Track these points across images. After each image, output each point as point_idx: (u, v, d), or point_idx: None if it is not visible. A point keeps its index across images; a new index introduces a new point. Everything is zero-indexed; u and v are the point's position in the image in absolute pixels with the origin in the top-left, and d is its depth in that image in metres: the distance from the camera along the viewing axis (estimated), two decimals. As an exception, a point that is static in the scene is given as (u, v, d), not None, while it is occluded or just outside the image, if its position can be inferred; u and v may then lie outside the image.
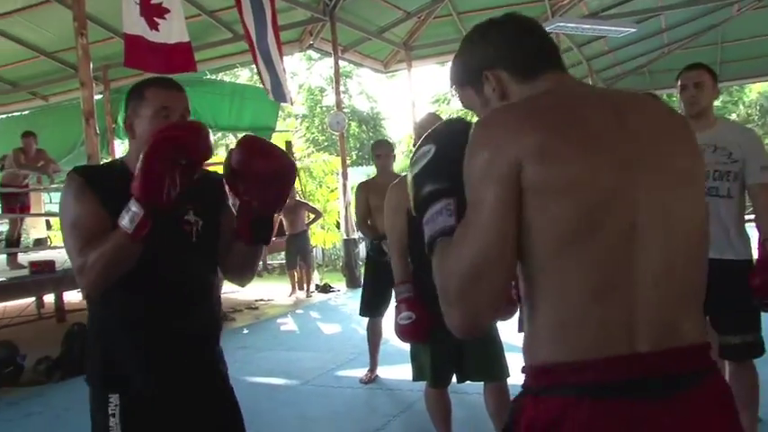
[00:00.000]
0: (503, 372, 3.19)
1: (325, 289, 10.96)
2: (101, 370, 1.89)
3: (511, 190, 1.15)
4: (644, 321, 1.16)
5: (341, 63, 12.25)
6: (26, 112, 13.97)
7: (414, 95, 13.91)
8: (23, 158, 8.53)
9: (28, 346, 6.27)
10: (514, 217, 1.16)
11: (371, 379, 5.16)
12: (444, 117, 3.97)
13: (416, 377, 3.31)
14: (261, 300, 10.02)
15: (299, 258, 10.59)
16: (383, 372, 5.25)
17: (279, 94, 8.93)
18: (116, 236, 1.65)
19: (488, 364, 3.16)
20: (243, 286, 2.15)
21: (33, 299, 8.41)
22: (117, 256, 1.67)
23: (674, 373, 1.16)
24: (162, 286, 1.84)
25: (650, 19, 13.46)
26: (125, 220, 1.63)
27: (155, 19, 6.56)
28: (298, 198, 11.11)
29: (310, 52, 12.85)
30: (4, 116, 13.94)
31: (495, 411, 3.21)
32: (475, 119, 1.33)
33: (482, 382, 3.25)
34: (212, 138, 1.74)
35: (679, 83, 3.32)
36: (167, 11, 6.70)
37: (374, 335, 5.26)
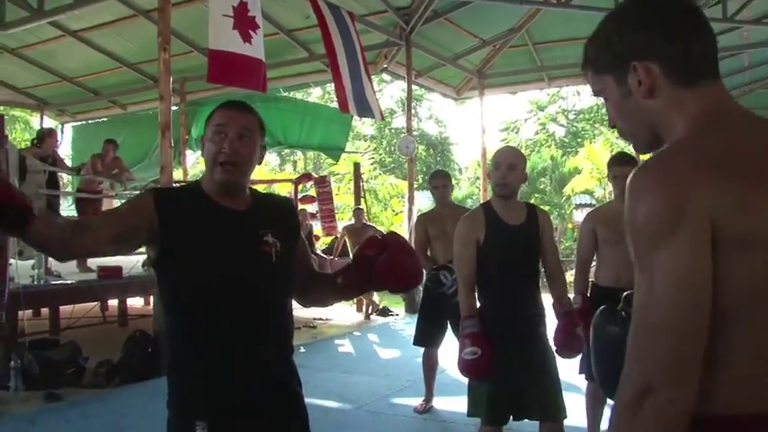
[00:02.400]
0: (560, 411, 3.12)
1: (384, 312, 10.91)
2: (185, 397, 1.88)
3: (705, 244, 1.02)
4: None
5: (413, 87, 12.27)
6: (104, 120, 14.43)
7: (484, 123, 13.82)
8: (100, 165, 8.75)
9: (90, 349, 6.39)
10: (707, 265, 1.02)
11: (426, 409, 5.07)
12: (515, 147, 3.91)
13: (471, 413, 3.23)
14: (319, 318, 9.98)
15: None
16: (438, 403, 5.15)
17: (364, 109, 9.03)
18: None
19: (547, 403, 3.09)
20: (307, 307, 2.21)
21: (98, 303, 8.59)
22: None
23: None
24: (245, 307, 1.84)
25: (733, 56, 13.10)
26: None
27: (249, 32, 6.69)
28: (365, 221, 11.11)
29: (383, 74, 12.89)
30: (83, 123, 14.41)
31: None
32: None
33: (538, 421, 3.17)
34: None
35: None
36: (258, 26, 6.83)
37: (429, 365, 5.19)
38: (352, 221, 11.16)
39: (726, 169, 1.04)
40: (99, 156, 8.89)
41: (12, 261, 6.33)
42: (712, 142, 1.08)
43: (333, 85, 9.23)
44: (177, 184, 7.45)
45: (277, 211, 1.97)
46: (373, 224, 12.04)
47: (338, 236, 11.51)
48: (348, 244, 10.33)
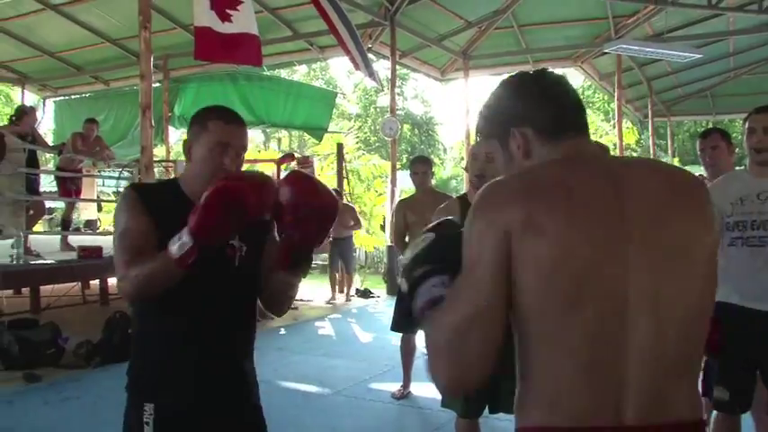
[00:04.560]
0: None
1: (365, 294, 10.95)
2: (140, 379, 1.97)
3: (501, 258, 1.21)
4: (632, 395, 1.20)
5: (397, 67, 12.24)
6: (87, 95, 14.30)
7: (469, 104, 13.84)
8: (81, 144, 8.68)
9: (70, 329, 6.39)
10: (504, 281, 1.22)
11: (404, 395, 5.11)
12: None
13: (446, 404, 3.21)
14: (300, 300, 10.02)
15: (341, 263, 10.56)
16: (416, 389, 5.20)
17: (371, 72, 9.10)
18: (162, 258, 1.73)
19: None
20: (279, 316, 2.18)
21: (79, 282, 8.58)
22: (158, 276, 1.75)
23: None
24: (202, 307, 1.90)
25: (718, 42, 13.16)
26: (174, 247, 1.69)
27: (227, 11, 6.63)
28: (345, 201, 11.04)
29: (368, 53, 12.86)
30: (65, 98, 14.28)
31: None
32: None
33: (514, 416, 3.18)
34: (273, 194, 1.78)
35: (747, 125, 3.07)
36: (240, 2, 6.77)
37: (407, 351, 5.19)
38: None
39: (526, 194, 1.24)
40: (80, 134, 8.81)
41: (-9, 241, 6.31)
42: (536, 175, 1.30)
43: (319, 64, 9.29)
44: (157, 165, 7.40)
45: None
46: (354, 205, 11.77)
47: None
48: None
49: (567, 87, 1.40)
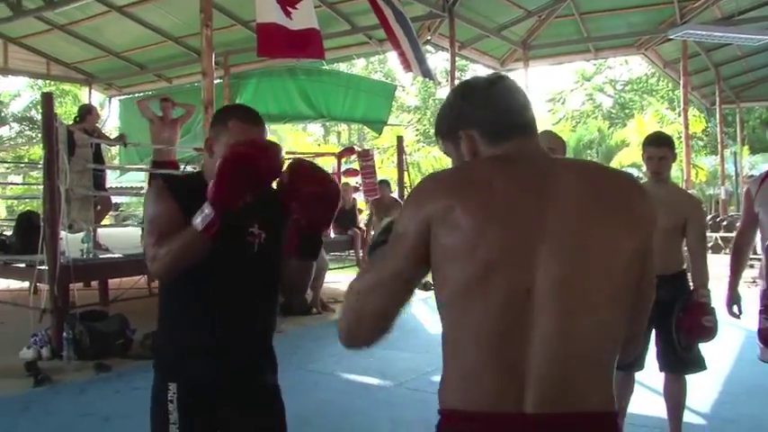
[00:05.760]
0: None
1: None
2: (164, 359, 2.11)
3: (417, 243, 1.33)
4: (534, 384, 1.25)
5: (456, 59, 12.14)
6: (150, 93, 14.62)
7: (529, 94, 13.64)
8: (160, 126, 8.70)
9: (137, 321, 6.54)
10: (412, 264, 1.35)
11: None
12: (554, 132, 3.86)
13: None
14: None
15: None
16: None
17: (426, 70, 9.06)
18: (187, 232, 1.86)
19: None
20: (298, 301, 2.30)
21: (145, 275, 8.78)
22: (186, 250, 1.89)
23: None
24: (222, 291, 2.02)
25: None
26: (198, 220, 1.83)
27: (287, 8, 6.70)
28: (395, 196, 10.59)
29: (426, 46, 12.80)
30: (129, 96, 14.62)
31: None
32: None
33: None
34: (282, 155, 1.93)
35: None
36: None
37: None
38: (379, 196, 10.50)
39: (449, 187, 1.36)
40: (159, 117, 8.87)
41: (62, 235, 6.50)
42: (463, 170, 1.43)
43: (377, 57, 9.31)
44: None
45: (271, 200, 2.01)
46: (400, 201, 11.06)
47: (369, 210, 10.59)
48: (374, 220, 9.73)
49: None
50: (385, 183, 10.13)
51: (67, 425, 4.46)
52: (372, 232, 9.82)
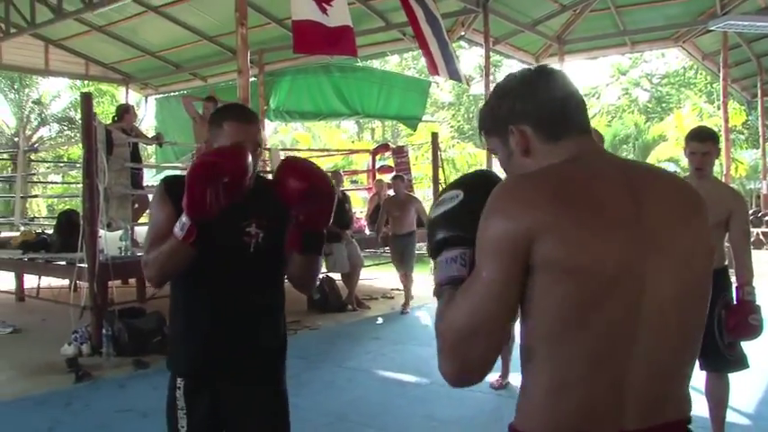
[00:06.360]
0: None
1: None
2: (173, 355, 2.23)
3: (518, 261, 1.21)
4: (633, 402, 1.23)
5: (491, 54, 12.06)
6: (185, 92, 14.78)
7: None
8: (201, 125, 8.71)
9: (175, 318, 6.59)
10: (517, 287, 1.22)
11: (502, 385, 5.04)
12: (591, 115, 3.80)
13: None
14: (397, 289, 9.97)
15: (398, 261, 9.00)
16: (515, 379, 5.12)
17: (453, 71, 9.00)
18: (170, 240, 1.94)
19: None
20: (306, 294, 2.35)
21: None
22: (170, 257, 1.97)
23: None
24: (222, 290, 2.10)
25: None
26: (177, 228, 1.91)
27: (323, 5, 6.73)
28: (411, 194, 9.80)
29: (460, 42, 12.73)
30: (165, 95, 14.79)
31: None
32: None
33: None
34: (248, 160, 1.95)
35: None
36: None
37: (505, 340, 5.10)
38: (392, 193, 9.44)
39: (552, 196, 1.22)
40: (201, 116, 8.91)
41: (101, 233, 6.59)
42: (556, 175, 1.27)
43: (411, 53, 9.26)
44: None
45: (270, 199, 2.06)
46: (417, 197, 9.92)
47: (382, 207, 9.40)
48: (390, 220, 8.90)
49: (568, 86, 1.39)
50: (399, 178, 9.41)
51: (107, 420, 4.52)
52: (384, 230, 9.12)
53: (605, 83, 32.80)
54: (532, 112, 1.34)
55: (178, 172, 12.34)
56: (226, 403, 2.15)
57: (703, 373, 3.71)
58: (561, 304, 1.21)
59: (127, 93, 15.40)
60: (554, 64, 13.56)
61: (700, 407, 3.92)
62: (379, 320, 8.11)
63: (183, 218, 1.89)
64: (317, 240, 2.08)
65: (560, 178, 1.26)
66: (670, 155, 20.13)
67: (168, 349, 2.28)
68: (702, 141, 3.55)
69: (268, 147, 12.57)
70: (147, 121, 15.49)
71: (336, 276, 9.05)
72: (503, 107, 1.38)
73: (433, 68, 8.80)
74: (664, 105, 30.52)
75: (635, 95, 32.24)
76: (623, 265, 1.20)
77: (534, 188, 1.24)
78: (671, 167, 20.35)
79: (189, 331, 2.15)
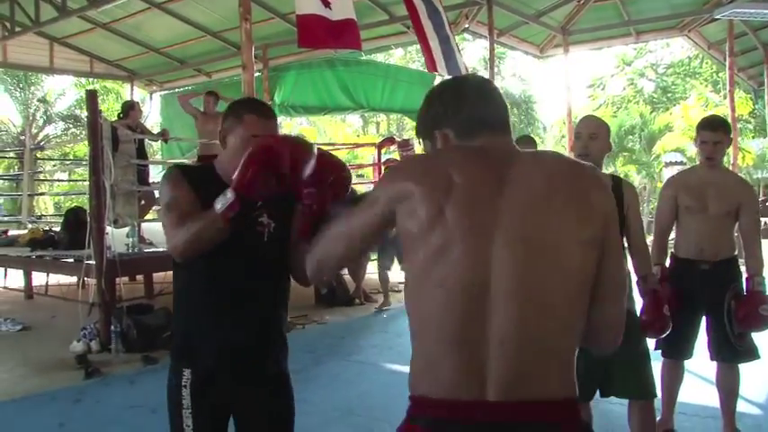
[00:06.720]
0: (648, 391, 3.05)
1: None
2: (178, 345, 2.20)
3: (379, 212, 1.45)
4: (495, 373, 1.30)
5: (495, 47, 12.01)
6: (190, 87, 14.78)
7: (569, 80, 13.46)
8: (204, 122, 8.72)
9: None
10: (369, 233, 1.51)
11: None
12: (597, 116, 3.80)
13: None
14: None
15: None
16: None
17: (452, 67, 8.94)
18: (208, 215, 1.92)
19: (634, 381, 3.01)
20: (306, 286, 2.32)
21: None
22: (203, 232, 1.95)
23: (517, 422, 1.31)
24: (233, 280, 2.09)
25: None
26: (219, 204, 1.89)
27: None
28: None
29: (464, 34, 12.69)
30: (170, 91, 14.79)
31: (637, 430, 3.08)
32: None
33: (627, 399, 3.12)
34: (312, 159, 1.92)
35: None
36: None
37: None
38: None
39: (412, 173, 1.44)
40: (202, 113, 8.91)
41: (108, 230, 6.61)
42: (430, 158, 1.53)
43: (415, 46, 9.19)
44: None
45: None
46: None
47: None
48: None
49: (486, 91, 1.55)
50: (392, 162, 9.30)
51: (117, 416, 4.54)
52: None
53: (610, 74, 32.68)
54: (452, 117, 1.51)
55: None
56: (232, 404, 2.16)
57: (714, 364, 3.71)
58: (413, 273, 1.40)
59: (132, 89, 15.42)
60: (559, 55, 13.55)
61: (710, 397, 3.93)
62: (385, 315, 8.10)
63: (229, 193, 1.87)
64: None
65: (432, 159, 1.50)
66: (676, 145, 20.06)
67: (174, 342, 2.24)
68: (714, 130, 3.52)
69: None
70: (152, 117, 15.48)
71: (344, 271, 9.03)
72: (429, 115, 1.57)
73: (432, 65, 8.72)
74: (669, 95, 30.40)
75: (640, 86, 32.11)
76: (458, 240, 1.33)
77: (406, 166, 1.61)
78: (678, 157, 20.31)
79: (200, 323, 2.12)
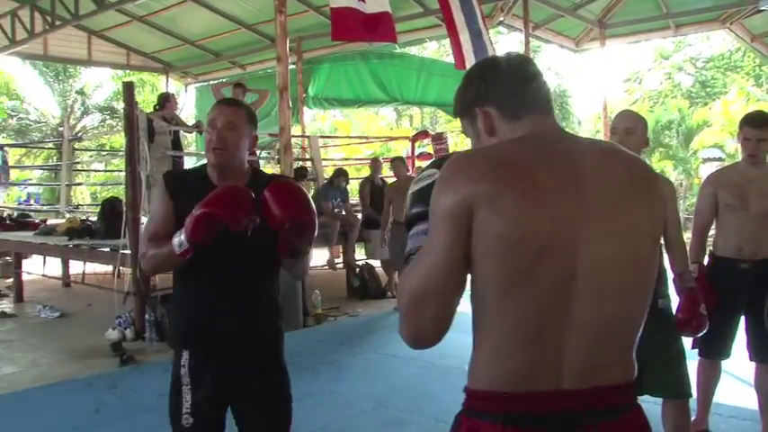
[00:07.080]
0: (683, 389, 3.01)
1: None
2: (175, 331, 2.41)
3: (461, 230, 1.29)
4: (570, 363, 1.31)
5: (530, 40, 11.90)
6: (224, 80, 14.88)
7: (605, 74, 13.29)
8: None
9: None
10: (462, 252, 1.30)
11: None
12: (634, 111, 3.73)
13: None
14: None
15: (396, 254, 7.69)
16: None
17: None
18: (168, 247, 2.10)
19: (669, 380, 2.96)
20: (299, 280, 2.50)
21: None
22: (165, 260, 2.17)
23: (593, 408, 1.33)
24: (221, 271, 2.23)
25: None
26: (175, 241, 2.07)
27: None
28: (409, 174, 9.07)
29: (499, 27, 12.59)
30: (205, 83, 14.90)
31: (671, 429, 3.04)
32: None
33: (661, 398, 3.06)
34: (249, 211, 2.07)
35: None
36: None
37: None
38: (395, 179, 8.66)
39: (491, 169, 1.32)
40: None
41: (143, 220, 6.69)
42: (501, 151, 1.38)
43: (448, 40, 9.10)
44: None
45: (264, 187, 2.17)
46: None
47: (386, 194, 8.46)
48: (392, 207, 7.96)
49: (530, 69, 1.50)
50: (399, 160, 8.85)
51: (151, 403, 4.58)
52: (391, 219, 8.11)
53: (647, 68, 32.20)
54: (495, 94, 1.46)
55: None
56: (231, 393, 2.29)
57: (752, 364, 3.63)
58: (493, 274, 1.30)
59: (167, 82, 15.55)
60: (595, 48, 13.38)
61: (748, 399, 3.85)
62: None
63: (183, 238, 2.03)
64: (305, 250, 2.23)
65: (503, 154, 1.36)
66: (714, 141, 19.73)
67: (172, 330, 2.45)
68: (758, 128, 3.42)
69: (307, 134, 12.61)
70: (186, 109, 15.62)
71: (376, 263, 9.08)
72: (469, 91, 1.51)
73: (460, 62, 8.60)
74: (708, 90, 29.86)
75: (678, 80, 31.59)
76: (553, 238, 1.29)
77: (475, 163, 1.35)
78: (716, 153, 19.97)
79: (193, 311, 2.29)
